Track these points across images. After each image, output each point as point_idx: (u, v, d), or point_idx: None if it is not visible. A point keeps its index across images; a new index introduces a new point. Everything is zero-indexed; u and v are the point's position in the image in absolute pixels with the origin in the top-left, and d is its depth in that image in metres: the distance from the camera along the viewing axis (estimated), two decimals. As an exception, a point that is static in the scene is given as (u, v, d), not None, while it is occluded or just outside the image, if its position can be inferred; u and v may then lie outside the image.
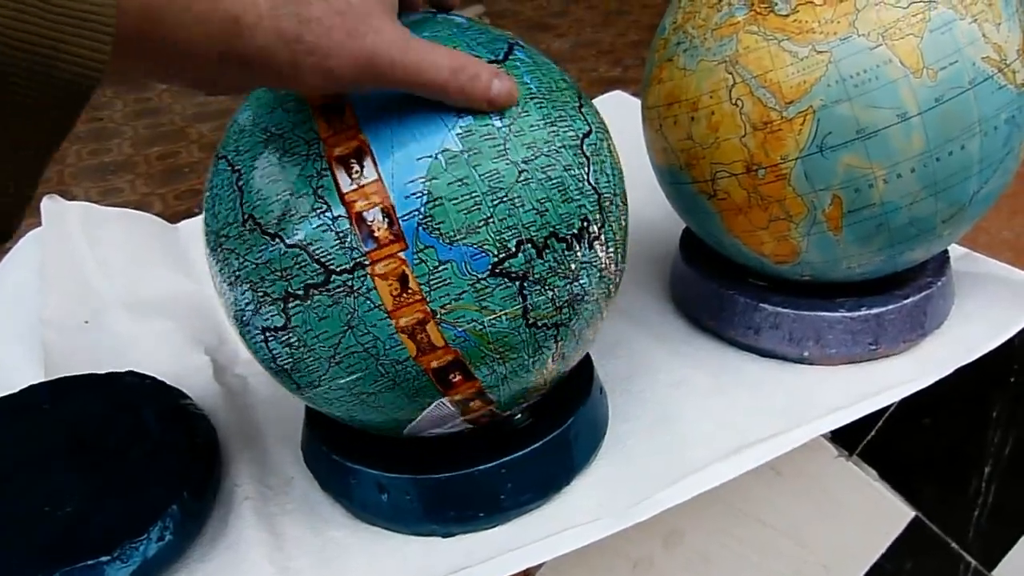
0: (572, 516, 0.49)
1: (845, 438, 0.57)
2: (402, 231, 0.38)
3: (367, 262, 0.38)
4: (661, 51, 0.55)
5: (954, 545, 0.68)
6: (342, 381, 0.42)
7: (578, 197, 0.41)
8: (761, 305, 0.58)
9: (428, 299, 0.39)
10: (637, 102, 0.61)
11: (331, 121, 0.39)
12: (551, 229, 0.40)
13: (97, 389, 0.58)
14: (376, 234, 0.38)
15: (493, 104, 0.39)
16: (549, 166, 0.41)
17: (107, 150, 2.04)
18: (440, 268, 0.39)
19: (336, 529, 0.50)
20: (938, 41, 0.46)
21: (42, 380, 0.61)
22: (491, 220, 0.39)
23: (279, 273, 0.40)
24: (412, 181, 0.38)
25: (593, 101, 0.48)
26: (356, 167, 0.38)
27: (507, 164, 0.40)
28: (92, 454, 0.52)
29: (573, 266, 0.42)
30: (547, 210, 0.40)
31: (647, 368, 0.61)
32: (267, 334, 0.42)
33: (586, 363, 0.55)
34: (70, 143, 2.10)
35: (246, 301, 0.42)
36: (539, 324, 0.42)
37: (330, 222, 0.38)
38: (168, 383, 0.58)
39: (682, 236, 0.68)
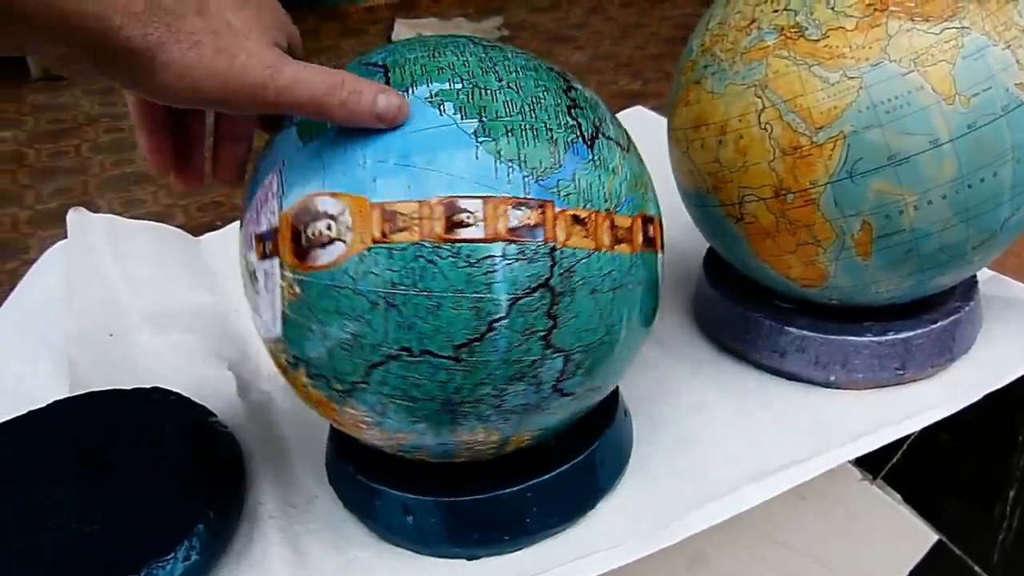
0: (597, 540, 0.49)
1: (869, 462, 0.57)
2: (533, 196, 0.39)
3: (556, 245, 0.39)
4: (688, 73, 0.55)
5: (978, 569, 0.68)
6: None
7: None
8: (787, 328, 0.58)
9: (606, 206, 0.41)
10: (659, 119, 0.61)
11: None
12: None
13: (123, 405, 0.58)
14: (528, 220, 0.39)
15: (382, 120, 0.39)
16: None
17: (129, 161, 2.05)
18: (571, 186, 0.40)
19: (360, 549, 0.50)
20: (971, 67, 0.46)
21: (68, 394, 0.61)
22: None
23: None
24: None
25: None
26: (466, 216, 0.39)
27: None
28: (118, 472, 0.52)
29: None
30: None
31: (670, 390, 0.61)
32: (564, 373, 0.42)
33: None
34: (94, 154, 2.11)
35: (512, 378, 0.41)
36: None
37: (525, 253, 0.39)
38: (193, 399, 0.59)
39: (706, 257, 0.68)
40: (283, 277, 0.40)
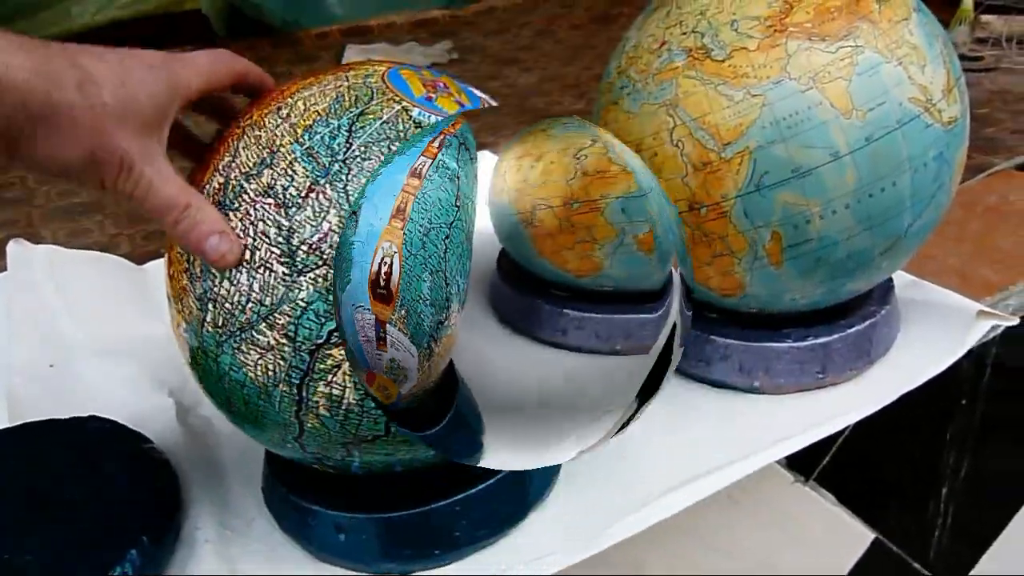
0: (528, 550, 0.50)
1: (801, 464, 0.59)
2: None
3: None
4: (607, 95, 0.57)
5: (916, 565, 0.70)
6: None
7: None
8: (711, 337, 0.60)
9: None
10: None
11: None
12: None
13: (59, 435, 0.58)
14: None
15: (206, 256, 0.40)
16: None
17: (76, 191, 2.03)
18: None
19: (297, 569, 0.51)
20: (866, 83, 0.48)
21: (5, 426, 0.61)
22: None
23: None
24: None
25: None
26: None
27: None
28: (53, 501, 0.52)
29: None
30: None
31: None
32: None
33: None
34: (39, 184, 2.09)
35: None
36: None
37: None
38: (130, 427, 0.59)
39: None
40: None
